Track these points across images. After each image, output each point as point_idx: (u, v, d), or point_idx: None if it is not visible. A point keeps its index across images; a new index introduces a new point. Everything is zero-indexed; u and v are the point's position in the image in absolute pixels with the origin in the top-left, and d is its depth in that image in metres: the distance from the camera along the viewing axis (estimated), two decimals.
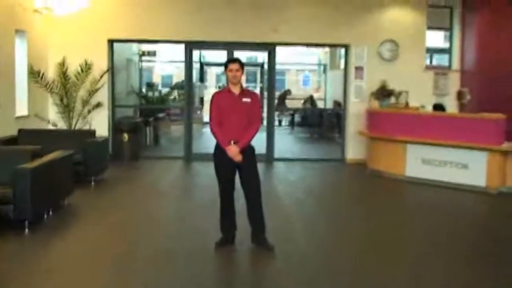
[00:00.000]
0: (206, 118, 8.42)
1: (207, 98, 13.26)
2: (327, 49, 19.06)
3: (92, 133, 9.37)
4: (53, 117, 10.90)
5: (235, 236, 5.64)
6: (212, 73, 27.95)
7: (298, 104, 19.73)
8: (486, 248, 6.02)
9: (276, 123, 15.39)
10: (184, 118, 11.93)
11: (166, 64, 23.03)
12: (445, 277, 5.02)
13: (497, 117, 8.75)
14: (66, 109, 10.75)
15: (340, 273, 5.06)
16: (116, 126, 11.47)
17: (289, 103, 20.43)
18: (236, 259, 5.51)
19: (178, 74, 21.94)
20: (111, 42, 11.47)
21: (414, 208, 8.00)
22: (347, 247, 5.87)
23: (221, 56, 13.99)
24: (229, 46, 11.45)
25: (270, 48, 11.78)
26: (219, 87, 22.05)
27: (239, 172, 5.46)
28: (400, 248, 5.97)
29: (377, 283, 4.86)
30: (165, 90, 19.91)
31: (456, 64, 12.17)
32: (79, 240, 5.93)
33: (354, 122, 11.63)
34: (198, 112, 13.75)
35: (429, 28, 11.92)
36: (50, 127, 10.77)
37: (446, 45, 12.88)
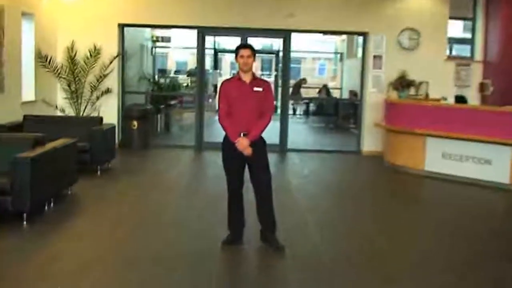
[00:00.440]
0: None
1: None
2: (344, 37, 18.64)
3: (99, 120, 9.05)
4: (61, 103, 10.62)
5: (243, 233, 5.29)
6: (226, 60, 27.59)
7: (313, 93, 19.32)
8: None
9: (290, 111, 15.00)
10: (196, 106, 11.59)
11: (181, 51, 22.73)
12: (462, 283, 4.64)
13: None
14: (74, 95, 10.46)
15: (354, 277, 4.70)
16: (125, 113, 11.16)
17: (304, 92, 20.07)
18: (243, 259, 5.16)
19: (192, 61, 21.59)
20: (121, 26, 11.12)
21: (434, 206, 7.59)
22: (363, 248, 5.49)
23: (236, 43, 13.60)
24: (243, 32, 11.04)
25: (285, 34, 11.37)
26: (234, 74, 21.68)
27: (249, 166, 5.10)
28: (418, 251, 5.57)
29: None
30: (179, 77, 19.67)
31: (478, 55, 11.67)
32: (78, 235, 5.61)
33: (371, 113, 11.21)
34: (210, 100, 13.39)
35: (450, 17, 11.41)
36: (58, 113, 10.50)
37: (465, 35, 12.41)
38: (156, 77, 15.79)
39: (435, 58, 11.15)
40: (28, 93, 9.75)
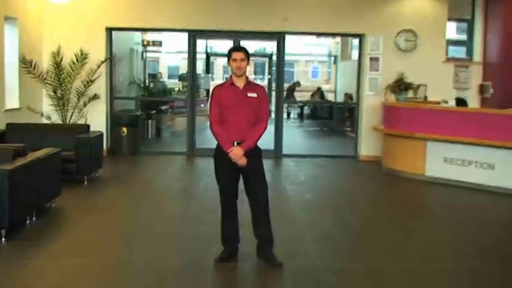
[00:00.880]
0: None
1: None
2: (338, 39, 18.33)
3: (86, 127, 8.66)
4: (46, 110, 10.21)
5: (238, 250, 4.91)
6: (219, 64, 27.25)
7: (308, 96, 19.01)
8: None
9: (285, 115, 14.66)
10: (187, 111, 11.22)
11: (172, 55, 22.32)
12: None
13: None
14: (61, 101, 10.05)
15: None
16: (114, 119, 10.78)
17: (298, 95, 19.78)
18: (238, 277, 4.79)
19: (184, 65, 21.19)
20: (109, 30, 10.73)
21: (436, 213, 7.26)
22: (364, 262, 5.13)
23: (228, 46, 13.25)
24: (236, 35, 10.69)
25: (279, 37, 11.02)
26: (227, 78, 21.33)
27: (243, 178, 4.73)
28: (421, 262, 5.21)
29: None
30: (170, 82, 19.25)
31: (477, 56, 11.35)
32: (61, 252, 5.21)
33: (368, 117, 10.88)
34: (202, 105, 13.02)
35: (448, 19, 11.09)
36: (44, 120, 10.10)
37: (459, 37, 12.12)
38: (147, 82, 15.35)
39: (433, 60, 10.82)
40: (12, 100, 9.36)
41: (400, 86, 10.06)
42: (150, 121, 13.08)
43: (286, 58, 11.44)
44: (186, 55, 11.18)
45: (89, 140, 8.15)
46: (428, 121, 8.82)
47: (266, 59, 20.91)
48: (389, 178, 9.24)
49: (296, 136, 14.68)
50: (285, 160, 10.73)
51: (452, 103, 9.34)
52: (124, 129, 10.52)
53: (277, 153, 10.99)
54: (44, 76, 9.92)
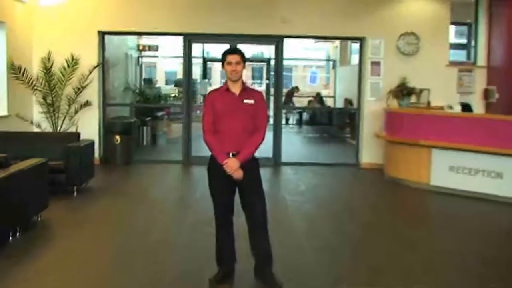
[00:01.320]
0: None
1: None
2: (337, 43, 18.00)
3: (76, 136, 8.30)
4: (36, 118, 9.85)
5: (234, 269, 4.54)
6: (216, 69, 26.89)
7: (306, 101, 18.67)
8: None
9: (283, 121, 14.30)
10: (183, 118, 10.86)
11: (169, 60, 21.97)
12: None
13: None
14: (51, 108, 9.69)
15: None
16: (107, 127, 10.41)
17: (297, 101, 19.46)
18: None
19: (181, 71, 20.87)
20: (102, 34, 10.38)
21: (441, 224, 6.87)
22: (370, 279, 4.76)
23: None
24: (233, 39, 10.30)
25: (277, 40, 10.68)
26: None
27: (240, 192, 4.36)
28: (427, 275, 4.85)
29: None
30: (167, 88, 18.87)
31: (481, 60, 11.02)
32: (46, 269, 4.84)
33: (369, 123, 10.53)
34: (198, 111, 12.66)
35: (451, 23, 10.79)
36: (34, 128, 9.74)
37: (459, 40, 11.81)
38: (142, 87, 14.98)
39: (436, 63, 10.48)
40: (0, 107, 9.02)
41: (403, 91, 9.76)
42: (145, 128, 12.73)
43: (284, 63, 11.10)
44: (182, 60, 10.82)
45: (79, 149, 7.78)
46: (433, 127, 8.47)
47: (264, 64, 20.57)
48: (392, 187, 8.88)
49: (295, 143, 14.32)
50: (284, 168, 10.37)
51: (457, 108, 8.98)
52: (117, 137, 10.15)
53: (275, 161, 10.64)
54: (34, 83, 9.55)
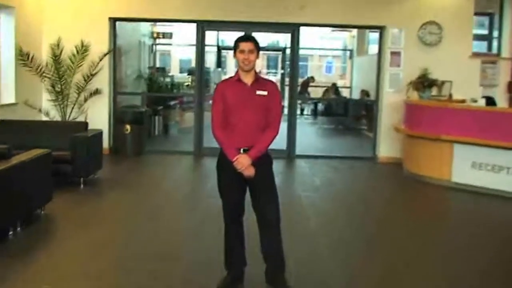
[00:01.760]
0: None
1: None
2: (354, 32, 17.58)
3: (84, 125, 8.03)
4: (45, 106, 9.61)
5: (244, 273, 4.22)
6: (231, 58, 26.55)
7: (322, 92, 18.30)
8: None
9: (298, 111, 13.96)
10: (195, 108, 10.56)
11: (183, 48, 21.65)
12: None
13: None
14: (60, 96, 9.44)
15: None
16: (117, 116, 10.15)
17: (312, 91, 19.11)
18: None
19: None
20: (113, 20, 10.09)
21: (464, 224, 6.48)
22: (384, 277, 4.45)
23: None
24: (247, 27, 9.94)
25: (293, 28, 10.31)
26: None
27: (250, 191, 4.04)
28: (447, 280, 4.54)
29: None
30: (181, 76, 18.56)
31: (506, 52, 10.57)
32: (50, 267, 4.57)
33: (388, 115, 10.15)
34: (211, 101, 12.38)
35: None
36: (43, 116, 9.50)
37: (480, 31, 11.37)
38: (154, 76, 14.69)
39: (459, 55, 10.04)
40: (7, 94, 8.80)
41: (424, 82, 9.33)
42: (157, 118, 12.46)
43: (300, 52, 10.73)
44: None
45: (87, 139, 7.52)
46: (456, 121, 8.07)
47: (279, 53, 20.20)
48: (412, 183, 8.51)
49: (309, 135, 13.95)
50: (298, 161, 10.05)
51: (481, 102, 8.57)
52: (128, 127, 9.89)
53: (289, 154, 10.31)
54: (43, 70, 9.30)
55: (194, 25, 10.31)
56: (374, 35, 11.84)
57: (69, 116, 9.44)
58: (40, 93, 9.68)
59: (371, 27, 11.22)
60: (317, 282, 4.40)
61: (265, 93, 4.01)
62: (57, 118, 9.46)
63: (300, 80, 16.63)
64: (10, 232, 5.25)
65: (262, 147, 3.97)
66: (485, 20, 11.59)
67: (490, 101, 9.06)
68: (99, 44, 9.73)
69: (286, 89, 11.49)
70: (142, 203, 6.88)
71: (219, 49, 18.10)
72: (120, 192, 7.47)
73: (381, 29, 10.27)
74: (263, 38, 16.36)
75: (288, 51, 12.04)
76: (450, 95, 9.50)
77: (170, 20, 11.42)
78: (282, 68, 18.54)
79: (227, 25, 10.52)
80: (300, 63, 11.78)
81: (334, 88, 17.58)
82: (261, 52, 4.10)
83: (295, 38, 10.37)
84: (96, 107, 9.72)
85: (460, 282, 4.56)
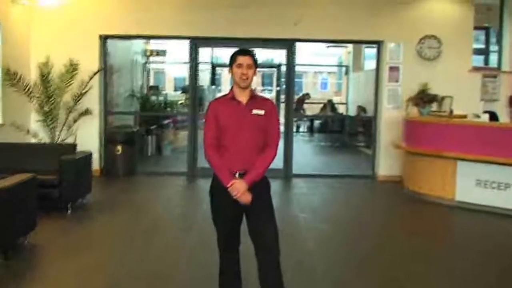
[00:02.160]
0: None
1: None
2: (350, 48, 17.38)
3: (72, 147, 7.70)
4: (33, 127, 9.28)
5: None
6: (225, 76, 26.35)
7: (317, 108, 18.07)
8: None
9: (294, 128, 13.67)
10: (188, 127, 10.26)
11: (179, 65, 21.43)
12: None
13: None
14: (49, 116, 9.12)
15: None
16: (108, 136, 9.83)
17: (307, 108, 18.91)
18: None
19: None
20: (103, 38, 9.81)
21: (468, 245, 6.17)
22: None
23: None
24: (241, 43, 9.65)
25: (289, 44, 10.05)
26: None
27: (247, 218, 3.71)
28: None
29: None
30: (176, 94, 18.26)
31: (506, 66, 10.35)
32: None
33: (386, 132, 9.88)
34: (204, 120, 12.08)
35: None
36: (31, 138, 9.17)
37: (478, 45, 11.20)
38: (146, 95, 14.39)
39: (458, 69, 9.82)
40: None
41: (424, 98, 9.07)
42: (149, 137, 12.14)
43: (295, 68, 10.48)
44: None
45: (74, 161, 7.18)
46: (458, 138, 7.81)
47: (274, 70, 20.01)
48: (414, 202, 8.21)
49: (306, 153, 13.67)
50: (295, 181, 9.73)
51: (484, 117, 8.30)
52: (119, 147, 9.57)
53: (286, 173, 10.00)
54: (31, 90, 8.98)
55: (187, 41, 10.06)
56: (370, 51, 11.62)
57: (58, 137, 9.11)
58: (28, 114, 9.36)
59: (369, 42, 10.96)
60: None
61: (261, 112, 3.71)
62: (46, 139, 9.13)
63: (296, 97, 16.39)
64: None
65: (260, 171, 3.66)
66: (481, 34, 11.40)
67: (493, 116, 8.80)
68: (89, 63, 9.44)
69: (282, 106, 11.22)
70: (131, 226, 6.55)
71: (213, 66, 17.87)
72: (109, 216, 7.12)
73: (379, 43, 10.04)
74: (258, 54, 16.15)
75: (283, 68, 11.77)
76: (451, 111, 9.23)
77: (162, 37, 11.15)
78: (278, 85, 18.30)
79: (221, 41, 10.27)
80: (295, 79, 11.52)
81: (331, 104, 17.35)
82: (257, 66, 3.81)
83: (291, 54, 10.11)
84: (87, 128, 9.42)
85: None
